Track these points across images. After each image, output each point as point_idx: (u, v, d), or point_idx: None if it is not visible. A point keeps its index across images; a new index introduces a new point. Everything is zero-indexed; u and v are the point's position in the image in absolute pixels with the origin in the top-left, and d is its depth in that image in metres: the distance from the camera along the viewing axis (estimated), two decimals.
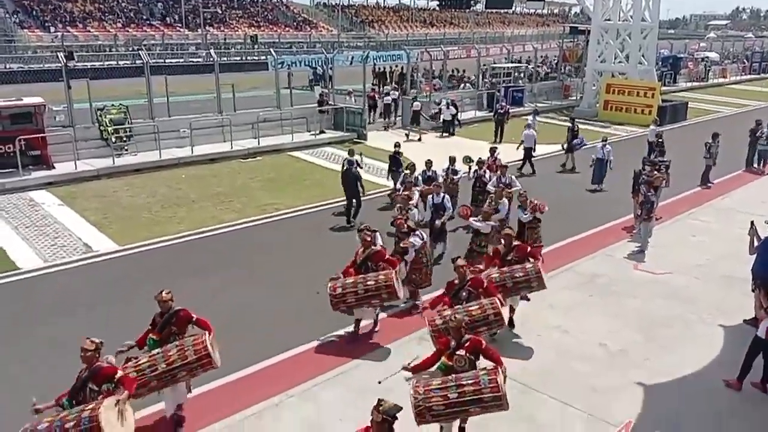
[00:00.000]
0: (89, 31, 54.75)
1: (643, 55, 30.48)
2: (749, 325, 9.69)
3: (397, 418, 5.51)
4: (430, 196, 12.77)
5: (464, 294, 8.47)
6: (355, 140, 23.66)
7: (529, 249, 9.72)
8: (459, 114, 26.47)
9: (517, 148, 20.16)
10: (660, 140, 18.40)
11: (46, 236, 13.47)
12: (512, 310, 9.86)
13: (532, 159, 20.02)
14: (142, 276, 11.67)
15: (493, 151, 16.24)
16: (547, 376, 8.61)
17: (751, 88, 45.52)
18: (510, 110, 25.88)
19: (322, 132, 23.87)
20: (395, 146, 17.06)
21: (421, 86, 33.19)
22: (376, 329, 9.79)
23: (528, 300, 10.31)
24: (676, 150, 18.51)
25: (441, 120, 25.76)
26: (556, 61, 40.27)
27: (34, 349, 9.07)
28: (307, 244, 13.29)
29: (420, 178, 14.53)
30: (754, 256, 10.21)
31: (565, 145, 20.57)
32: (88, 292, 10.97)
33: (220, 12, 67.15)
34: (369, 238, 9.34)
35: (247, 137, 22.00)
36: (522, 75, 35.50)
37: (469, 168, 15.31)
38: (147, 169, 18.81)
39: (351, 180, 14.68)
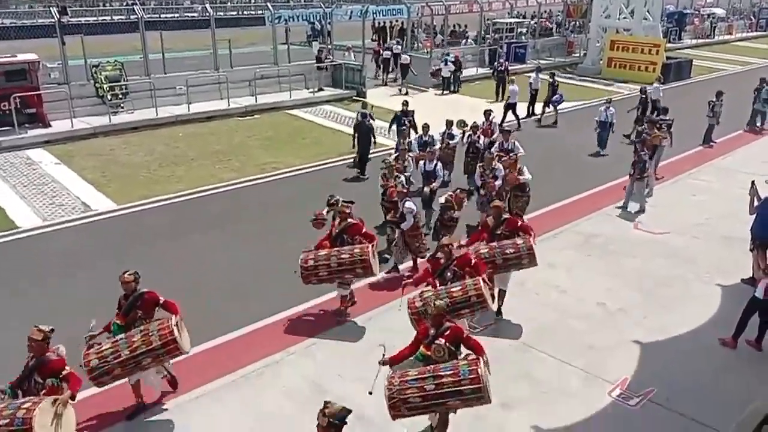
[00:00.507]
0: None
1: (648, 11, 29.85)
2: (747, 284, 9.73)
3: (346, 423, 4.98)
4: (422, 162, 12.29)
5: (449, 274, 7.83)
6: (354, 98, 23.38)
7: (519, 223, 9.06)
8: (461, 71, 26.01)
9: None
10: (553, 81, 20.31)
11: (44, 195, 13.42)
12: (501, 295, 9.01)
13: (516, 113, 20.06)
14: (140, 235, 11.68)
15: (488, 114, 15.24)
16: (546, 335, 8.69)
17: (758, 45, 44.71)
18: (510, 67, 25.46)
19: (320, 89, 23.55)
20: (403, 104, 16.67)
21: (422, 42, 32.68)
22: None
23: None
24: (679, 108, 18.28)
25: (440, 77, 25.39)
26: (559, 17, 39.48)
27: (32, 309, 9.10)
28: (306, 204, 13.18)
29: (415, 143, 14.06)
30: (754, 216, 10.18)
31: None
32: (87, 251, 10.98)
33: None
34: (348, 210, 8.87)
35: (245, 95, 21.72)
36: (525, 31, 34.85)
37: (463, 133, 14.60)
38: (144, 127, 18.62)
39: (364, 132, 15.25)
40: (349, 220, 8.84)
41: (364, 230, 8.87)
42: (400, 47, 27.62)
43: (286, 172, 15.37)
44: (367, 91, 23.69)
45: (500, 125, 14.73)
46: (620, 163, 15.35)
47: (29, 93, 17.10)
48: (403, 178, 11.31)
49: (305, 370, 7.87)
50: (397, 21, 35.18)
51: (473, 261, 7.95)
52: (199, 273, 10.14)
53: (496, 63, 25.45)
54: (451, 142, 14.47)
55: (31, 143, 16.70)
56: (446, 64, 25.22)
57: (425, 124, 14.35)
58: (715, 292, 9.97)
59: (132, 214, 12.72)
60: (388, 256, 10.71)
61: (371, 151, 15.65)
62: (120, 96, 19.32)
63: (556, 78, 21.41)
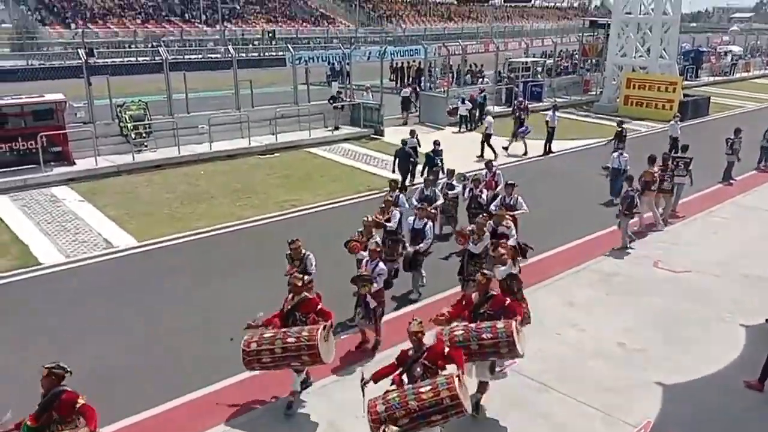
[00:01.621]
0: (109, 28, 55.29)
1: (664, 49, 30.06)
2: None
3: None
4: (411, 218, 11.17)
5: (419, 369, 6.64)
6: (372, 136, 23.66)
7: (507, 301, 7.65)
8: (476, 110, 26.25)
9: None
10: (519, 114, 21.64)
11: (67, 232, 13.66)
12: (481, 388, 7.75)
13: (491, 144, 20.92)
14: (160, 272, 11.81)
15: (490, 165, 14.34)
16: (565, 375, 8.56)
17: None
18: (528, 105, 25.66)
19: (336, 128, 23.84)
20: (435, 144, 16.66)
21: (439, 81, 33.12)
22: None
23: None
24: (698, 146, 18.22)
25: (458, 115, 25.63)
26: (574, 55, 39.87)
27: (54, 343, 9.20)
28: (326, 241, 13.26)
29: (416, 198, 12.61)
30: None
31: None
32: (108, 288, 11.11)
33: (238, 8, 67.38)
34: (299, 283, 7.67)
35: (265, 133, 22.09)
36: (541, 69, 35.21)
37: (464, 187, 13.51)
38: (166, 165, 18.97)
39: (402, 156, 16.83)
40: (306, 294, 7.76)
41: (319, 307, 7.71)
42: (408, 90, 28.46)
43: (304, 210, 15.51)
44: (384, 129, 23.98)
45: (491, 170, 13.92)
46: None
47: (55, 132, 17.57)
48: (378, 237, 10.21)
49: (320, 409, 7.81)
50: (414, 61, 35.78)
51: (446, 351, 6.73)
52: (217, 312, 10.19)
53: (515, 101, 25.65)
54: (450, 193, 13.54)
55: (55, 181, 17.07)
56: (463, 103, 25.49)
57: (427, 177, 13.72)
58: (737, 332, 9.79)
59: (152, 251, 12.88)
60: (349, 323, 9.69)
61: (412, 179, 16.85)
62: (144, 135, 19.76)
63: (523, 114, 22.82)
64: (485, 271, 7.99)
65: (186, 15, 62.42)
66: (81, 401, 5.82)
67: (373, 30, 73.24)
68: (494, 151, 20.72)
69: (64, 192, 16.35)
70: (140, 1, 61.54)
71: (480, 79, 34.58)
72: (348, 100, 25.24)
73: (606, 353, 9.16)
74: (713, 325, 10.01)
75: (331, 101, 24.24)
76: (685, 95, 30.03)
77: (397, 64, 36.78)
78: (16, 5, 53.27)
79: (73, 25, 52.74)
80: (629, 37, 30.29)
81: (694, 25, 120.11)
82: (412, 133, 18.40)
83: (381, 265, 8.96)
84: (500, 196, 12.45)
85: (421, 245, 10.71)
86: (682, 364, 8.85)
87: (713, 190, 17.64)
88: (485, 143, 20.90)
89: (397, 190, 12.72)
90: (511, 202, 12.05)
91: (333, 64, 32.21)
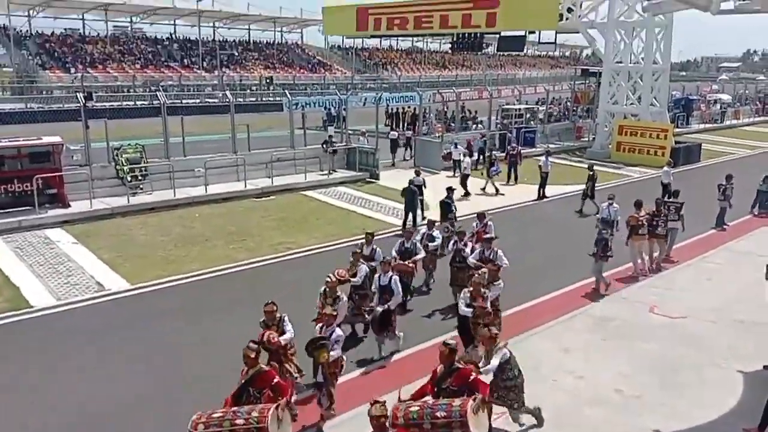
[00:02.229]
0: (109, 72, 56.18)
1: (655, 97, 30.64)
2: None
3: None
4: (376, 276, 10.45)
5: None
6: (368, 180, 23.82)
7: (472, 377, 6.77)
8: (479, 155, 26.65)
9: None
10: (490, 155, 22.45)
11: (59, 274, 13.56)
12: None
13: (466, 184, 21.80)
14: (151, 315, 11.70)
15: (482, 217, 13.67)
16: (562, 422, 8.43)
17: (764, 129, 45.48)
18: (522, 151, 25.98)
19: (331, 172, 23.97)
20: (448, 191, 16.49)
21: (434, 126, 33.58)
22: None
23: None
24: (691, 192, 18.39)
25: (452, 160, 25.87)
26: (566, 102, 40.55)
27: (47, 386, 9.04)
28: (320, 283, 13.20)
29: (395, 251, 12.10)
30: None
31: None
32: (98, 331, 10.98)
33: (237, 54, 68.70)
34: (252, 355, 6.85)
35: (261, 176, 22.23)
36: (533, 116, 35.79)
37: (448, 239, 13.01)
38: (161, 208, 19.00)
39: (409, 194, 17.69)
40: (259, 366, 6.90)
41: (275, 380, 6.89)
42: (395, 133, 29.91)
43: (298, 252, 15.48)
44: (380, 173, 24.17)
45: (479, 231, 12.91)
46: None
47: (51, 174, 17.63)
48: (344, 298, 9.67)
49: None
50: (409, 107, 36.35)
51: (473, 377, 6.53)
52: (207, 356, 10.06)
53: (508, 147, 25.96)
54: (431, 244, 12.90)
55: (50, 223, 17.06)
56: (456, 147, 25.76)
57: (407, 229, 13.21)
58: (734, 378, 9.69)
59: (145, 294, 12.78)
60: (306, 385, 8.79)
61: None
62: (139, 177, 19.86)
63: (493, 153, 24.72)
64: (449, 341, 7.07)
65: (185, 61, 63.53)
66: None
67: (369, 77, 74.60)
68: (467, 191, 21.76)
69: (58, 234, 16.31)
70: (140, 47, 62.69)
71: (475, 125, 35.08)
72: (343, 144, 25.50)
73: (603, 399, 9.04)
74: (709, 371, 9.92)
75: (324, 146, 24.43)
76: (676, 142, 30.49)
77: (392, 109, 37.32)
78: (18, 50, 54.16)
79: (72, 70, 53.58)
80: (620, 85, 30.90)
81: (684, 74, 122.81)
82: (418, 173, 19.37)
83: (338, 331, 8.24)
84: (479, 249, 11.65)
85: (390, 303, 10.00)
86: (679, 410, 8.74)
87: (706, 236, 17.72)
88: (462, 183, 21.82)
89: (371, 245, 11.78)
90: (490, 256, 11.31)
91: (329, 109, 32.68)
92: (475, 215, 14.02)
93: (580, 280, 13.82)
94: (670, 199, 15.87)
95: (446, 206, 16.22)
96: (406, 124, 36.21)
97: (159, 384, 9.11)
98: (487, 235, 12.06)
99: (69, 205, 18.03)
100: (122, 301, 12.46)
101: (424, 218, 17.96)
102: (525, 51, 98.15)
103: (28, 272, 13.61)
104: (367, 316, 10.41)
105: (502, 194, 22.31)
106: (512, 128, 31.46)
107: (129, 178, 19.41)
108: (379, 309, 9.94)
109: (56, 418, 8.25)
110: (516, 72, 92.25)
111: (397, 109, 37.48)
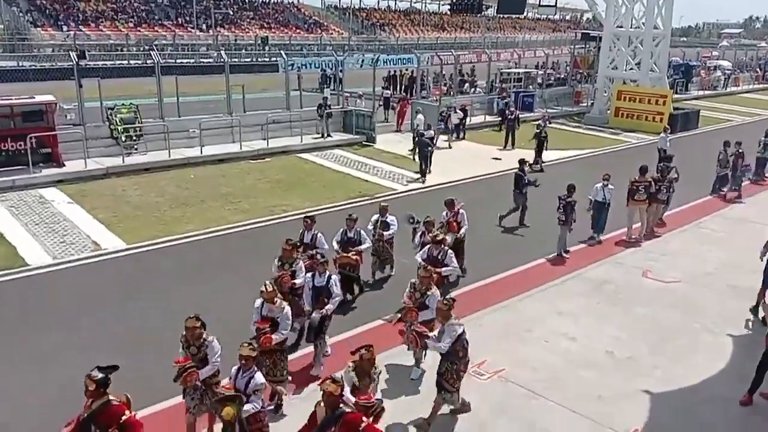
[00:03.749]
0: (101, 31, 55.15)
1: (654, 63, 30.34)
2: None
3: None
4: (309, 274, 8.84)
5: None
6: (364, 143, 23.67)
7: (363, 425, 5.47)
8: (467, 119, 26.40)
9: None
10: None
11: (55, 233, 13.53)
12: None
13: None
14: (148, 275, 11.73)
15: (451, 204, 11.83)
16: (554, 383, 8.56)
17: (763, 96, 45.26)
18: (520, 115, 25.78)
19: (324, 135, 23.67)
20: (520, 163, 15.47)
21: (431, 90, 33.27)
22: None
23: None
24: (688, 158, 18.36)
25: (449, 124, 25.67)
26: (566, 67, 40.16)
27: (41, 347, 9.10)
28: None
29: (336, 241, 10.68)
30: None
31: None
32: (94, 290, 11.01)
33: (232, 13, 67.44)
34: (93, 387, 5.50)
35: (257, 138, 22.06)
36: (532, 80, 35.44)
37: (414, 231, 11.34)
38: (156, 169, 18.88)
39: (423, 146, 19.37)
40: (107, 398, 5.57)
41: (124, 418, 5.55)
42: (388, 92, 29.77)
43: (294, 215, 15.45)
44: (376, 136, 24.00)
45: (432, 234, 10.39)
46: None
47: (45, 133, 17.44)
48: (286, 307, 7.72)
49: None
50: (407, 70, 35.93)
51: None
52: (204, 315, 10.08)
53: (507, 111, 25.75)
54: (385, 233, 11.34)
55: (44, 182, 16.93)
56: (455, 112, 25.56)
57: (349, 215, 10.95)
58: (725, 343, 9.83)
59: (141, 254, 12.78)
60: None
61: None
62: (134, 138, 19.68)
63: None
64: (335, 376, 5.69)
65: (179, 19, 62.39)
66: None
67: (367, 38, 73.55)
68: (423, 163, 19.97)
69: (52, 193, 16.22)
70: (133, 5, 61.48)
71: (474, 89, 34.76)
72: (339, 106, 25.22)
73: (595, 362, 9.16)
74: (701, 336, 10.05)
75: (319, 109, 24.11)
76: (675, 108, 30.30)
77: (389, 72, 36.90)
78: (8, 7, 53.06)
79: (65, 28, 52.57)
80: (620, 50, 30.55)
81: (685, 39, 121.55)
82: (429, 126, 20.85)
83: (259, 376, 6.40)
84: (426, 248, 10.06)
85: (328, 307, 8.47)
86: (670, 374, 8.88)
87: (702, 202, 17.77)
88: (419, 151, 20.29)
89: (312, 231, 10.37)
90: (440, 257, 9.80)
91: (325, 70, 32.25)
92: (444, 202, 12.01)
93: (576, 245, 13.90)
94: (662, 164, 15.89)
95: (519, 178, 15.13)
96: (403, 87, 35.87)
97: (155, 343, 9.16)
98: (441, 236, 10.19)
99: (63, 165, 17.89)
100: (118, 260, 12.46)
101: (430, 171, 19.57)
102: (525, 14, 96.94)
103: (24, 231, 13.57)
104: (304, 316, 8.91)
105: (498, 158, 22.23)
106: (511, 92, 31.14)
107: (123, 138, 19.23)
108: (316, 315, 8.35)
109: (52, 376, 8.32)
110: (515, 35, 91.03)
111: (395, 71, 37.05)
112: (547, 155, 21.80)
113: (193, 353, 6.63)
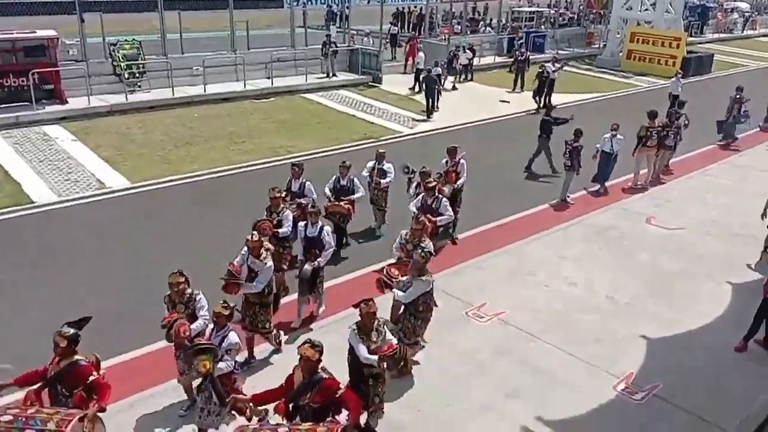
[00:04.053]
0: None
1: (670, 4, 29.40)
2: None
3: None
4: (302, 224, 8.52)
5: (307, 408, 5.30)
6: (370, 83, 23.29)
7: (340, 391, 5.25)
8: (474, 59, 25.83)
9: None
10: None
11: (59, 171, 13.54)
12: None
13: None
14: (152, 214, 11.79)
15: (453, 153, 11.18)
16: (553, 326, 8.68)
17: None
18: (530, 56, 25.20)
19: (329, 75, 23.24)
20: (547, 108, 15.16)
21: (440, 29, 32.46)
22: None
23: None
24: (699, 104, 18.02)
25: (457, 65, 25.11)
26: (580, 6, 39.00)
27: (47, 282, 9.24)
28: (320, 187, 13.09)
29: (329, 188, 10.36)
30: None
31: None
32: (99, 228, 11.09)
33: None
34: (63, 343, 5.29)
35: (261, 77, 21.72)
36: (544, 20, 34.50)
37: (409, 181, 10.83)
38: (160, 107, 18.69)
39: (430, 82, 19.54)
40: (75, 358, 5.37)
41: (92, 379, 5.37)
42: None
43: (299, 156, 15.34)
44: (383, 77, 23.59)
45: (426, 180, 9.92)
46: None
47: (47, 69, 17.21)
48: (270, 262, 7.44)
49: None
50: (415, 7, 34.99)
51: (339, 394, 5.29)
52: (206, 255, 10.17)
53: (516, 52, 25.15)
54: (382, 181, 10.85)
55: (48, 119, 16.82)
56: (464, 51, 24.99)
57: (343, 162, 10.56)
58: (725, 289, 9.90)
59: (145, 193, 12.82)
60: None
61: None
62: (137, 75, 19.41)
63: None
64: (316, 341, 5.36)
65: None
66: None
67: None
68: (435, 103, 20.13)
69: (56, 131, 16.13)
70: None
71: (483, 28, 33.92)
72: (345, 44, 24.67)
73: (594, 306, 9.27)
74: (702, 282, 10.11)
75: (323, 48, 23.51)
76: (688, 52, 29.59)
77: (398, 9, 35.94)
78: None
79: None
80: None
81: None
82: (437, 63, 20.96)
83: (233, 336, 6.05)
84: (419, 197, 9.84)
85: (320, 259, 8.24)
86: (669, 319, 8.99)
87: (711, 149, 17.57)
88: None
89: (300, 179, 9.95)
90: (434, 206, 9.59)
91: (331, 6, 31.41)
92: (446, 150, 11.35)
93: (581, 191, 13.84)
94: (673, 109, 15.62)
95: (546, 123, 14.62)
96: (411, 25, 35.01)
97: (158, 281, 9.27)
98: (431, 182, 9.77)
99: (66, 102, 17.72)
100: (123, 199, 12.50)
101: (437, 109, 19.91)
102: None
103: (28, 168, 13.57)
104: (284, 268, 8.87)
105: (507, 101, 21.93)
106: (522, 32, 30.37)
107: (126, 75, 18.97)
108: (308, 267, 8.15)
109: (58, 312, 8.46)
110: None
111: (404, 8, 36.09)
112: (556, 99, 21.46)
113: (180, 311, 6.44)
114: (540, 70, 21.04)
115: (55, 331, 5.34)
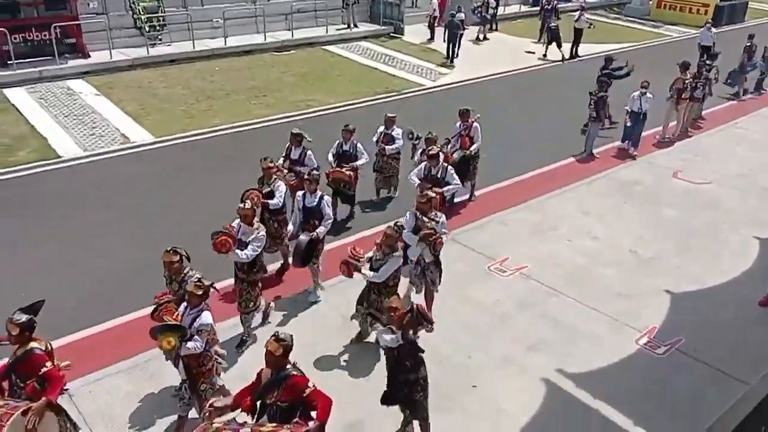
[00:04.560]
0: None
1: None
2: None
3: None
4: (300, 193, 7.98)
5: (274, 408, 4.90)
6: (391, 34, 22.88)
7: (308, 390, 4.80)
8: (498, 8, 25.13)
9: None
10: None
11: (84, 125, 13.65)
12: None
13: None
14: (177, 168, 11.88)
15: (465, 114, 10.41)
16: (575, 280, 8.70)
17: None
18: (558, 6, 24.37)
19: (349, 27, 22.84)
20: (606, 60, 14.58)
21: None
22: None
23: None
24: (730, 54, 17.44)
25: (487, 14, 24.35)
26: None
27: (76, 235, 9.44)
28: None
29: (332, 153, 9.82)
30: None
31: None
32: (126, 183, 11.22)
33: None
34: (15, 331, 4.99)
35: (281, 29, 21.45)
36: None
37: (414, 147, 10.21)
38: (181, 60, 18.60)
39: (453, 28, 19.73)
40: (31, 346, 5.09)
41: (45, 370, 5.02)
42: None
43: (319, 110, 15.30)
44: (404, 27, 23.14)
45: (427, 150, 9.26)
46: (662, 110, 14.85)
47: (69, 23, 17.17)
48: (262, 231, 7.02)
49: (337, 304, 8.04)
50: None
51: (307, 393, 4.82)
52: (231, 210, 10.27)
53: (543, 1, 24.35)
54: (389, 148, 10.18)
55: (71, 73, 16.85)
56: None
57: (347, 125, 9.86)
58: (751, 244, 9.79)
59: (169, 147, 12.90)
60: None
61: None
62: (158, 28, 19.28)
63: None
64: (282, 335, 4.88)
65: None
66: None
67: None
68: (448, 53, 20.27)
69: (79, 85, 16.20)
70: None
71: None
72: None
73: (617, 260, 9.24)
74: (727, 237, 10.01)
75: None
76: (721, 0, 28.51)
77: None
78: None
79: None
80: None
81: None
82: (459, 9, 20.47)
83: (206, 316, 5.65)
84: (421, 166, 9.16)
85: (319, 229, 7.68)
86: (692, 273, 8.94)
87: (741, 102, 17.10)
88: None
89: (300, 147, 9.36)
90: (439, 175, 8.93)
91: None
92: (458, 112, 10.59)
93: (609, 144, 13.62)
94: (706, 60, 15.15)
95: (604, 80, 13.63)
96: None
97: (180, 236, 9.42)
98: (434, 151, 9.00)
99: (88, 56, 17.71)
100: (147, 153, 12.60)
101: (457, 56, 19.96)
102: None
103: (54, 123, 13.70)
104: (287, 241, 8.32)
105: (532, 52, 21.49)
106: None
107: (147, 28, 18.87)
108: (304, 237, 7.55)
109: (86, 267, 8.68)
110: None
111: None
112: (582, 49, 20.98)
113: (175, 289, 6.20)
114: (550, 24, 20.86)
115: (10, 321, 5.00)
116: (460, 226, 9.94)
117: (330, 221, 7.88)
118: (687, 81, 13.61)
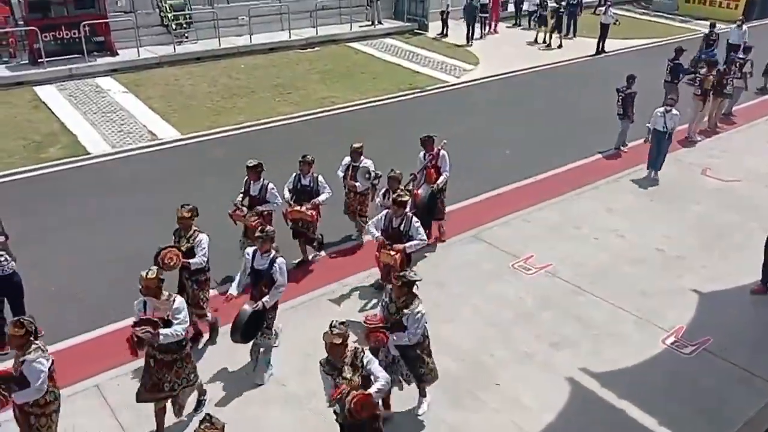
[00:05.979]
0: None
1: None
2: None
3: None
4: (250, 250, 6.58)
5: None
6: (416, 31, 22.84)
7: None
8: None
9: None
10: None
11: (113, 122, 13.88)
12: None
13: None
14: (203, 166, 12.02)
15: (429, 142, 8.94)
16: (601, 279, 8.62)
17: None
18: (583, 1, 24.04)
19: (373, 23, 22.83)
20: (677, 51, 14.13)
21: None
22: None
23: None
24: (762, 49, 17.07)
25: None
26: None
27: (104, 230, 9.62)
28: (364, 140, 13.04)
29: (288, 189, 8.48)
30: None
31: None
32: (154, 179, 11.40)
33: None
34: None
35: (306, 26, 21.56)
36: None
37: (373, 188, 8.99)
38: (207, 58, 18.81)
39: (472, 10, 20.84)
40: None
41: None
42: None
43: (344, 107, 15.35)
44: (429, 23, 23.08)
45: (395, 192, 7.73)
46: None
47: (98, 21, 17.45)
48: (178, 298, 5.68)
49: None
50: None
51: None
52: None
53: None
54: (357, 184, 8.83)
55: (100, 71, 17.14)
56: None
57: (304, 156, 8.49)
58: None
59: (196, 144, 13.06)
60: None
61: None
62: (184, 25, 19.52)
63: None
64: (212, 417, 4.26)
65: None
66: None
67: None
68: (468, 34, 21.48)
69: (108, 83, 16.47)
70: None
71: None
72: None
73: (643, 259, 9.14)
74: (756, 236, 9.76)
75: None
76: None
77: None
78: None
79: None
80: None
81: None
82: None
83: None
84: (381, 215, 7.65)
85: (265, 299, 6.29)
86: (720, 273, 8.80)
87: None
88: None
89: (260, 180, 8.16)
90: (402, 228, 7.38)
91: None
92: (420, 140, 9.08)
93: (637, 139, 13.42)
94: (739, 55, 14.83)
95: (677, 68, 13.75)
96: None
97: (215, 229, 9.54)
98: (401, 195, 7.45)
99: (117, 54, 17.99)
100: (174, 150, 12.78)
101: (480, 37, 21.39)
102: None
103: (83, 120, 13.95)
104: (207, 316, 7.09)
105: (559, 47, 21.30)
106: None
107: (174, 26, 19.10)
108: (247, 308, 6.21)
109: (113, 263, 8.82)
110: None
111: None
112: (609, 44, 20.72)
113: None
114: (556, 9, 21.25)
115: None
116: (485, 223, 9.92)
117: (282, 289, 6.40)
118: (712, 78, 13.32)
